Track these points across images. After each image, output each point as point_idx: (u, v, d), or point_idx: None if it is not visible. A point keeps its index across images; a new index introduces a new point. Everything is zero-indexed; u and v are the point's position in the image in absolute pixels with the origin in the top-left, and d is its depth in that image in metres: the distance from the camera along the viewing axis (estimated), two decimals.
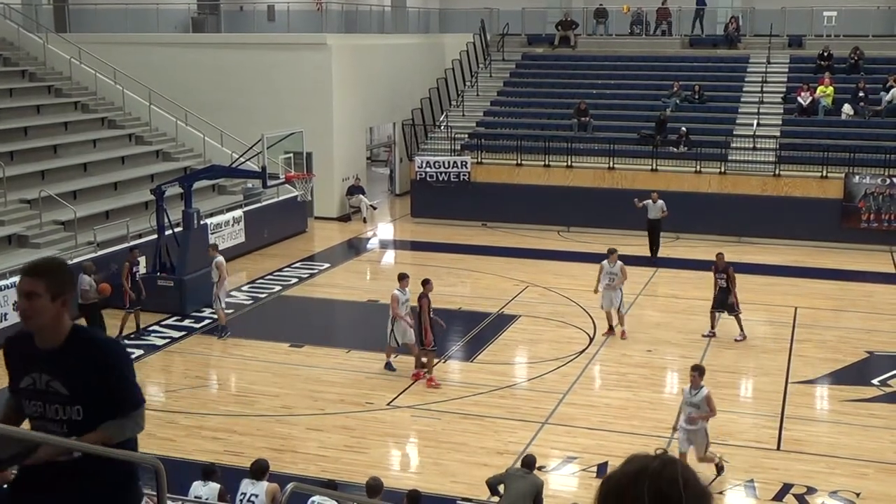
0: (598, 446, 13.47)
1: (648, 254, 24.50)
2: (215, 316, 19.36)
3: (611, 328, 18.62)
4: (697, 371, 12.72)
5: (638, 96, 30.97)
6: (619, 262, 18.55)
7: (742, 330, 18.26)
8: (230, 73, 29.12)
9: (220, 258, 18.70)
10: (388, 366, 16.69)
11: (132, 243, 20.29)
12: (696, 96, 29.91)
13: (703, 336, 18.38)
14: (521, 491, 10.45)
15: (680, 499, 2.09)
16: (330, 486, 10.81)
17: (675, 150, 27.54)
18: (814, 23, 32.67)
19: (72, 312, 4.09)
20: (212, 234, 23.23)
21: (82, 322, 16.25)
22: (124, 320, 18.13)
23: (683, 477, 2.12)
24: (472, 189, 28.32)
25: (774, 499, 12.23)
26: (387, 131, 36.14)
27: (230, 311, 20.04)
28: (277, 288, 22.18)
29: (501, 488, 10.71)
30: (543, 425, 14.40)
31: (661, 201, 24.25)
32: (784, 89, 30.00)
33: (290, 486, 9.12)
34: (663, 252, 24.65)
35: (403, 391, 15.77)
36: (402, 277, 16.60)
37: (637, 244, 25.22)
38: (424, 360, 16.19)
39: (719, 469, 12.59)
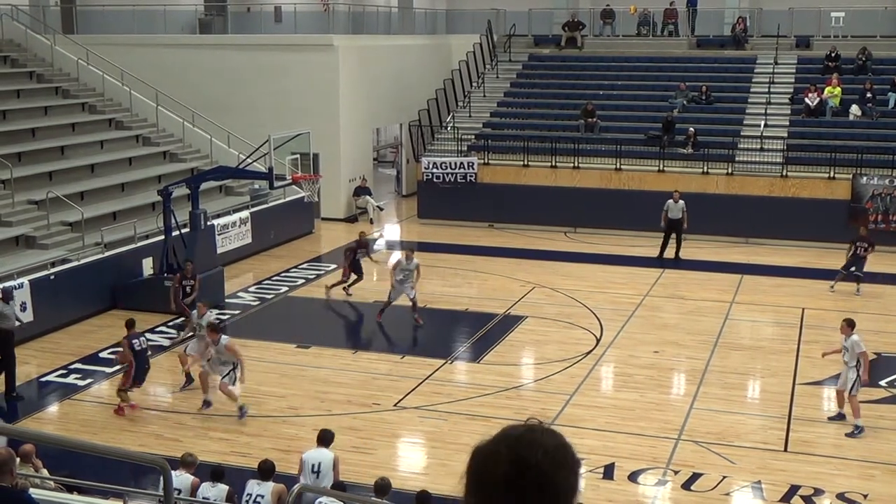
0: (605, 447, 13.44)
1: (657, 255, 24.45)
2: (224, 316, 19.32)
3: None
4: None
5: (645, 97, 30.94)
6: (416, 260, 19.14)
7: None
8: (237, 74, 29.15)
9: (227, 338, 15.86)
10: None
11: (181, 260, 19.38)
12: (704, 97, 29.86)
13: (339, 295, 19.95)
14: None
15: (537, 462, 2.10)
16: (338, 487, 10.80)
17: (682, 150, 27.50)
18: (821, 23, 32.60)
19: None
20: (219, 235, 23.28)
21: None
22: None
23: (542, 443, 2.14)
24: (479, 190, 28.31)
25: (782, 500, 12.20)
26: (393, 132, 36.16)
27: (236, 311, 20.05)
28: (284, 289, 22.20)
29: None
30: (550, 426, 14.36)
31: (682, 201, 24.22)
32: (791, 90, 29.94)
33: (296, 487, 9.12)
34: (668, 253, 24.58)
35: (410, 392, 15.77)
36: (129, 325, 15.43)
37: (645, 245, 25.24)
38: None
39: None
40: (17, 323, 16.38)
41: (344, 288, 21.28)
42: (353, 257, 21.29)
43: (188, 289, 18.18)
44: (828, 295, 21.57)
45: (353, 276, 21.30)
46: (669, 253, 24.54)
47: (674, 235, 24.48)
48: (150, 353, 15.42)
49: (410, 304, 19.27)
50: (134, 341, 14.93)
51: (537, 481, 2.09)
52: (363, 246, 21.58)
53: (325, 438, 11.35)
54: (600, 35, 35.09)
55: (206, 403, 14.77)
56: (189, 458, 10.68)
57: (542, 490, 2.10)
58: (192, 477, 10.53)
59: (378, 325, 20.61)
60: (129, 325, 15.34)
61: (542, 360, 17.60)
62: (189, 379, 15.84)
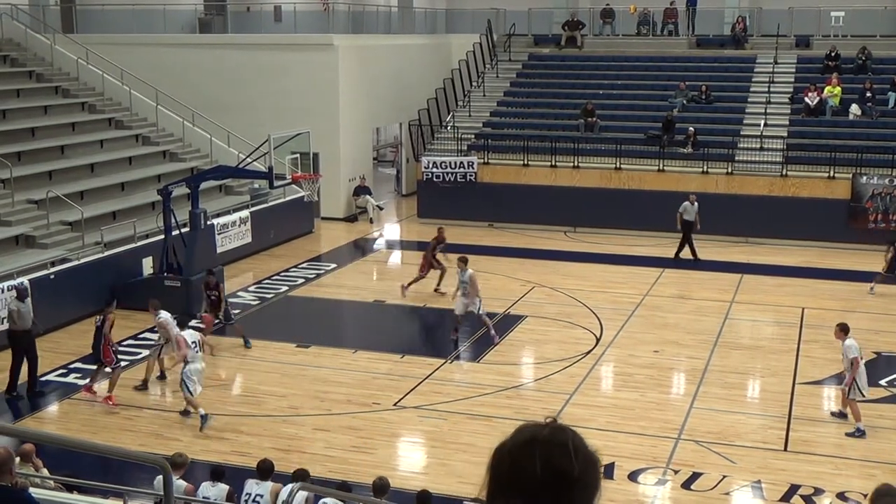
0: (606, 447, 13.40)
1: (672, 255, 24.35)
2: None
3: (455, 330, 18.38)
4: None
5: (645, 97, 30.93)
6: (470, 271, 18.19)
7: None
8: (237, 73, 29.15)
9: (164, 315, 16.01)
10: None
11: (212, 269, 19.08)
12: (703, 96, 29.85)
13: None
14: None
15: (572, 466, 2.12)
16: (343, 487, 10.79)
17: (682, 150, 27.49)
18: (821, 23, 32.58)
19: None
20: (218, 234, 23.28)
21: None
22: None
23: (573, 443, 2.15)
24: (479, 190, 28.30)
25: (782, 500, 12.20)
26: (393, 132, 36.15)
27: (236, 311, 20.01)
28: (284, 288, 22.19)
29: None
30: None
31: (697, 204, 24.19)
32: (791, 89, 29.93)
33: (296, 487, 9.13)
34: (668, 252, 24.55)
35: (410, 391, 15.77)
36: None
37: (646, 244, 25.26)
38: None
39: None
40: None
41: (435, 289, 21.12)
42: (434, 253, 21.30)
43: (213, 298, 18.22)
44: (828, 294, 21.58)
45: (438, 272, 21.21)
46: (685, 253, 24.35)
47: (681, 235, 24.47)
48: (103, 336, 15.49)
49: (481, 321, 18.25)
50: (97, 317, 15.79)
51: (573, 483, 2.12)
52: (442, 241, 21.57)
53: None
54: (600, 34, 35.06)
55: (204, 418, 14.17)
56: (179, 459, 10.19)
57: (573, 490, 2.13)
58: (186, 483, 10.34)
59: (377, 325, 20.61)
60: (106, 303, 16.31)
61: (542, 359, 17.60)
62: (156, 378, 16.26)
